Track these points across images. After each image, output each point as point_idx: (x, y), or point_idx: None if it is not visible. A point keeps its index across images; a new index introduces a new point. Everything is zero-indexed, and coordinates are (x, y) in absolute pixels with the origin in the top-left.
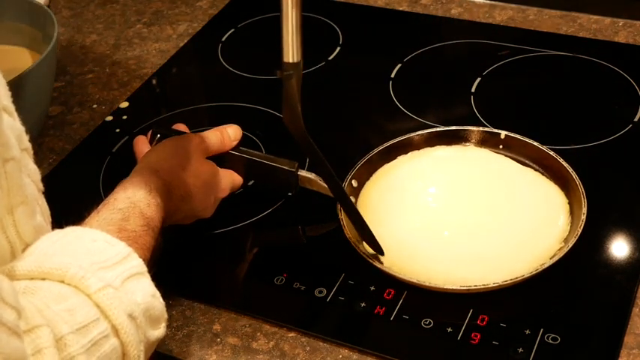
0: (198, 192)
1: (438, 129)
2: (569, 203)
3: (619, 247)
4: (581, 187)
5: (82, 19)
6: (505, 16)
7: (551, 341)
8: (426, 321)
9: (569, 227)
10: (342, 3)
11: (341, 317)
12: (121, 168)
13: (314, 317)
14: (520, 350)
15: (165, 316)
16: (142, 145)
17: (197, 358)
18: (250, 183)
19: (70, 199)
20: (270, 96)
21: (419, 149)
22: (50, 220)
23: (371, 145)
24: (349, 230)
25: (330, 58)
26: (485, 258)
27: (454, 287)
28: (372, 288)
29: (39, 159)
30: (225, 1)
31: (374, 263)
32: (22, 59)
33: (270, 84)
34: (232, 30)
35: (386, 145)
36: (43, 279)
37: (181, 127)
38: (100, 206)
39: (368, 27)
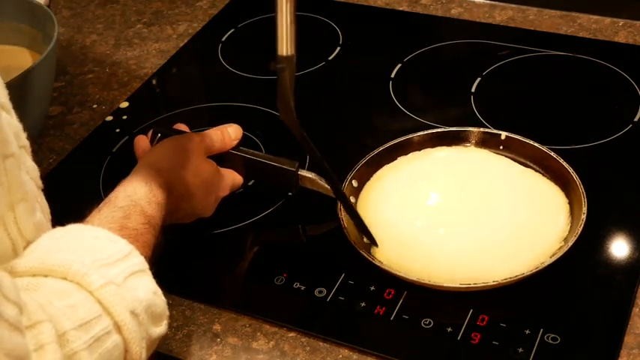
0: (199, 191)
1: (438, 130)
2: (569, 203)
3: (619, 247)
4: (581, 187)
5: (82, 19)
6: (505, 16)
7: (551, 341)
8: (426, 321)
9: (569, 227)
10: (342, 3)
11: (341, 317)
12: (121, 168)
13: (314, 317)
14: (520, 350)
15: (167, 313)
16: (142, 144)
17: (197, 358)
18: (250, 183)
19: (70, 199)
20: (270, 96)
21: (419, 150)
22: (50, 217)
23: (371, 146)
24: (349, 230)
25: (330, 58)
26: (485, 258)
27: (454, 285)
28: (372, 288)
29: (39, 159)
30: (225, 1)
31: (374, 262)
32: (22, 59)
33: (271, 84)
34: (232, 30)
35: (386, 145)
36: (46, 276)
37: (182, 126)
38: (101, 205)
39: (368, 27)
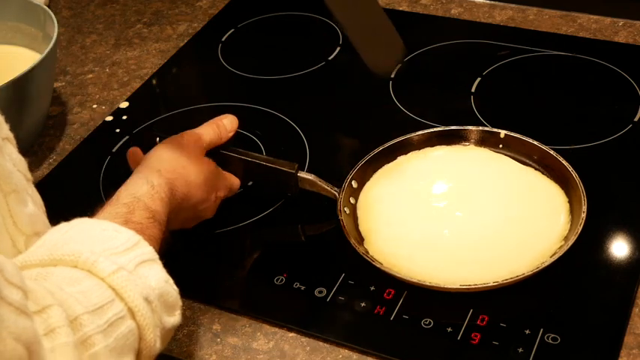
0: (200, 190)
1: (437, 129)
2: (569, 202)
3: (619, 247)
4: (580, 185)
5: (82, 19)
6: (505, 16)
7: (551, 341)
8: (426, 321)
9: (569, 226)
10: None
11: (341, 317)
12: (121, 168)
13: (314, 317)
14: (520, 350)
15: (180, 303)
16: (136, 158)
17: (197, 358)
18: (250, 184)
19: (70, 199)
20: (270, 96)
21: (419, 149)
22: (44, 210)
23: (371, 145)
24: (349, 230)
25: (330, 58)
26: (485, 257)
27: (454, 286)
28: (372, 288)
29: (39, 159)
30: (225, 1)
31: (370, 261)
32: (22, 59)
33: (270, 84)
34: (232, 30)
35: (386, 145)
36: (55, 265)
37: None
38: (104, 205)
39: None
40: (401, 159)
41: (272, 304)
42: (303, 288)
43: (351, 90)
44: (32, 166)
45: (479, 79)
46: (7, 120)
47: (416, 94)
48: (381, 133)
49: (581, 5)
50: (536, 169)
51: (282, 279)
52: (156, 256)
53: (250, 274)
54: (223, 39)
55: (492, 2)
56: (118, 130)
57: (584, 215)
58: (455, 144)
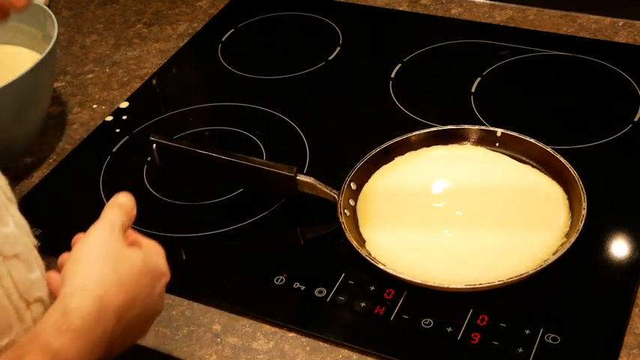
0: (139, 287)
1: (434, 129)
2: (568, 199)
3: (619, 247)
4: (579, 182)
5: (82, 19)
6: (505, 16)
7: (551, 341)
8: (426, 321)
9: (569, 223)
10: (342, 3)
11: (341, 317)
12: (121, 168)
13: (314, 317)
14: (520, 350)
15: None
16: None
17: (197, 358)
18: (247, 185)
19: (70, 199)
20: (270, 96)
21: (416, 149)
22: (29, 230)
23: (371, 145)
24: (349, 230)
25: (330, 58)
26: (486, 256)
27: (459, 286)
28: (372, 288)
29: (39, 159)
30: (225, 1)
31: (374, 263)
32: (22, 59)
33: (270, 84)
34: (232, 30)
35: (382, 146)
36: None
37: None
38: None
39: (368, 27)
40: (399, 159)
41: (272, 304)
42: (303, 288)
43: (351, 90)
44: (32, 166)
45: (479, 79)
46: (8, 120)
47: (416, 94)
48: (382, 133)
49: (581, 5)
50: (533, 166)
51: (282, 279)
52: None
53: (250, 274)
54: (223, 39)
55: (492, 2)
56: (118, 130)
57: (584, 212)
58: (452, 143)
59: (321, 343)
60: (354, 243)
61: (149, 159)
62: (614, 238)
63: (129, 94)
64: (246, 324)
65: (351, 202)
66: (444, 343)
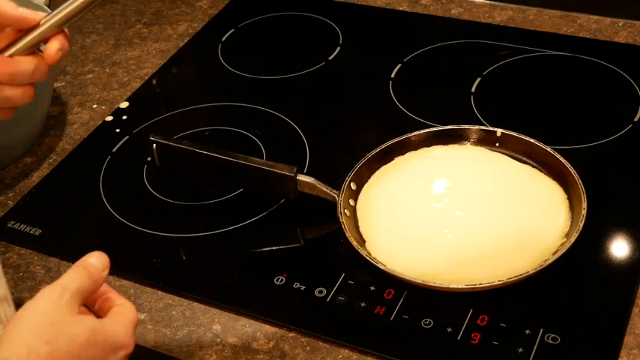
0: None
1: (433, 129)
2: (568, 199)
3: (619, 247)
4: (579, 181)
5: (82, 19)
6: (505, 16)
7: (551, 341)
8: (426, 321)
9: (569, 222)
10: (342, 3)
11: (341, 317)
12: (120, 168)
13: (314, 317)
14: (520, 350)
15: None
16: None
17: (197, 358)
18: (245, 186)
19: (70, 199)
20: (270, 96)
21: (416, 149)
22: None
23: (371, 146)
24: (349, 230)
25: (330, 58)
26: (486, 256)
27: (459, 286)
28: (372, 288)
29: (39, 159)
30: (225, 1)
31: (374, 263)
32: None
33: (270, 84)
34: (232, 30)
35: (382, 146)
36: None
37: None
38: None
39: (368, 27)
40: (399, 159)
41: (272, 304)
42: (303, 288)
43: (351, 90)
44: (32, 166)
45: (479, 79)
46: (8, 120)
47: (416, 94)
48: (382, 133)
49: (581, 5)
50: (533, 166)
51: (282, 279)
52: None
53: (250, 274)
54: (223, 39)
55: (492, 2)
56: (118, 130)
57: (584, 212)
58: (452, 143)
59: (321, 343)
60: (354, 243)
61: (149, 159)
62: (614, 238)
63: (129, 94)
64: (246, 324)
65: (351, 202)
66: (444, 343)
